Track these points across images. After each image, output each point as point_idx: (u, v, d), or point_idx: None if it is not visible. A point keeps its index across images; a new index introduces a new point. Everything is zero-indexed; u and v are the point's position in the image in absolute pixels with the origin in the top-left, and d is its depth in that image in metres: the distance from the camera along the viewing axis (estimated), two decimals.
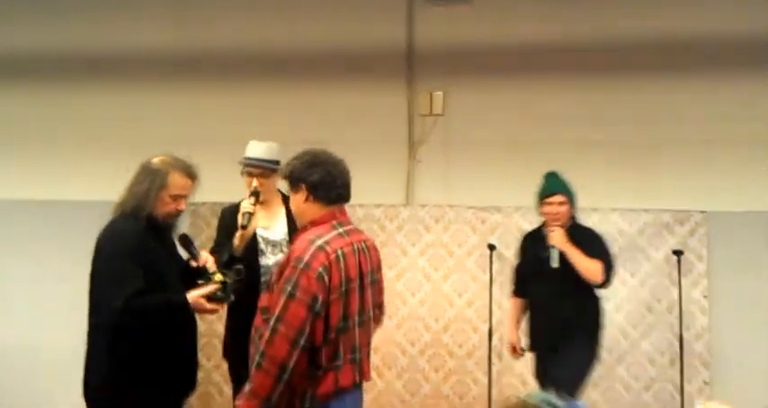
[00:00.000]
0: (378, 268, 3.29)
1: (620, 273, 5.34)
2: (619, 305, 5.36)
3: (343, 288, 2.99)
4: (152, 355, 3.31)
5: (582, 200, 5.38)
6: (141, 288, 3.23)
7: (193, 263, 3.56)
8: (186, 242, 3.57)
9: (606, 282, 4.37)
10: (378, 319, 3.39)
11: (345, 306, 3.01)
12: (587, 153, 5.46)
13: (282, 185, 3.54)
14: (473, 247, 5.54)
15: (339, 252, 3.00)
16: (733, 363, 5.17)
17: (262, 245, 4.10)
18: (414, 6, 5.77)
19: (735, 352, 5.19)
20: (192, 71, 6.03)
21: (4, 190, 6.17)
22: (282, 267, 3.00)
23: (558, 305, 4.39)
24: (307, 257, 2.93)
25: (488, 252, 5.39)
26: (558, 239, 4.39)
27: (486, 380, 5.35)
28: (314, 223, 3.10)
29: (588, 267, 4.33)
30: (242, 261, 3.78)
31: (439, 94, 5.65)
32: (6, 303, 6.01)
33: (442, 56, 5.69)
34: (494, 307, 5.37)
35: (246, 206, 3.99)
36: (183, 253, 3.61)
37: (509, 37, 5.57)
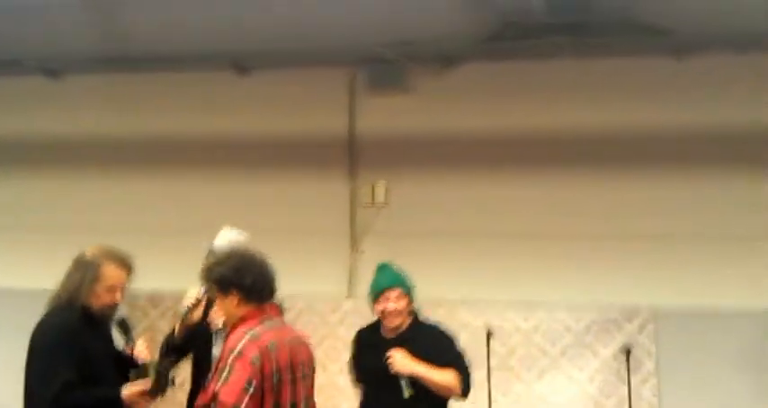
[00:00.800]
0: (309, 363, 3.26)
1: (568, 370, 5.29)
2: (567, 402, 5.24)
3: (275, 379, 3.00)
4: None
5: (526, 295, 5.36)
6: (72, 383, 3.14)
7: (127, 350, 3.48)
8: (124, 327, 3.50)
9: (465, 392, 3.67)
10: None
11: (277, 397, 3.00)
12: (532, 246, 5.42)
13: None
14: None
15: (271, 343, 3.02)
16: None
17: (214, 335, 3.92)
18: (355, 97, 5.79)
19: None
20: (134, 160, 6.01)
21: None
22: (217, 362, 3.03)
23: None
24: (239, 346, 2.99)
25: None
26: (400, 366, 3.61)
27: None
28: (244, 319, 3.12)
29: (445, 385, 3.61)
30: (183, 350, 3.72)
31: (382, 184, 5.62)
32: None
33: (385, 146, 5.70)
34: None
35: (191, 296, 3.85)
36: (119, 338, 3.51)
37: (451, 127, 5.60)
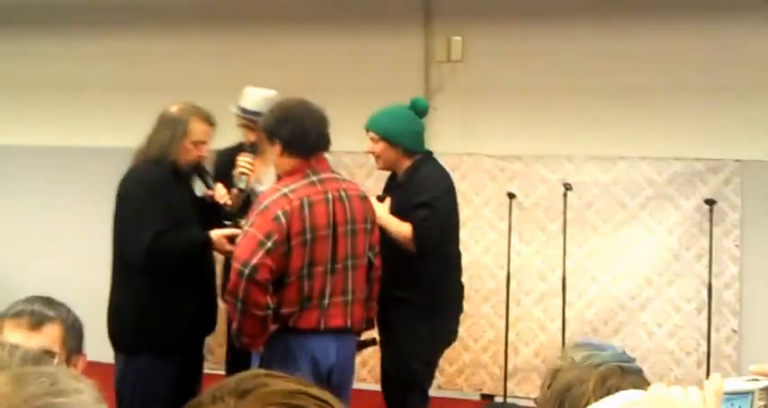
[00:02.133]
0: (361, 217, 3.29)
1: (647, 222, 5.20)
2: (644, 252, 5.21)
3: (308, 236, 3.07)
4: (175, 294, 3.44)
5: (607, 149, 5.23)
6: (164, 229, 3.34)
7: (209, 193, 3.67)
8: (201, 172, 3.68)
9: (419, 247, 3.58)
10: (371, 266, 3.44)
11: (311, 253, 3.08)
12: (614, 100, 5.22)
13: None
14: (491, 196, 5.41)
15: (305, 200, 3.08)
16: (763, 312, 5.01)
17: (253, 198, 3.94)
18: None
19: (765, 302, 5.02)
20: (198, 18, 5.88)
21: (28, 137, 6.21)
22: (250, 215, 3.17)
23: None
24: (268, 201, 3.09)
25: (507, 200, 5.28)
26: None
27: (502, 324, 5.32)
28: (288, 173, 3.18)
29: (399, 236, 3.58)
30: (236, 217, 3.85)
31: (458, 39, 5.37)
32: (25, 246, 6.08)
33: None
34: (512, 254, 5.30)
35: (243, 164, 3.82)
36: (199, 187, 3.73)
37: None
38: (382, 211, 3.62)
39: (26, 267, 5.90)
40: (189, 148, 3.50)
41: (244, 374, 0.95)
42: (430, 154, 3.88)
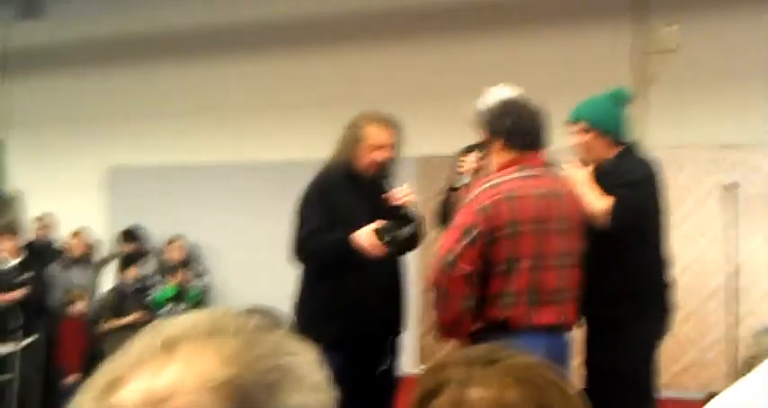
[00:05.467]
0: (576, 216, 3.18)
1: None
2: None
3: (511, 230, 2.99)
4: (348, 293, 3.48)
5: None
6: (316, 231, 3.46)
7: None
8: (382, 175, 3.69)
9: (617, 224, 3.29)
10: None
11: (515, 247, 3.00)
12: None
13: None
14: (712, 187, 5.23)
15: (510, 193, 3.02)
16: None
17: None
18: None
19: None
20: (400, 29, 6.03)
21: (225, 154, 6.70)
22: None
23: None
24: (472, 195, 3.06)
25: (729, 191, 5.10)
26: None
27: (729, 320, 5.16)
28: (500, 167, 3.15)
29: (597, 209, 3.32)
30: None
31: (674, 28, 5.22)
32: (226, 258, 6.53)
33: None
34: (738, 248, 5.12)
35: (468, 163, 3.66)
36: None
37: None
38: (582, 179, 3.45)
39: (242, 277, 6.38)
40: (365, 153, 3.55)
41: (495, 345, 1.05)
42: (634, 144, 3.72)
